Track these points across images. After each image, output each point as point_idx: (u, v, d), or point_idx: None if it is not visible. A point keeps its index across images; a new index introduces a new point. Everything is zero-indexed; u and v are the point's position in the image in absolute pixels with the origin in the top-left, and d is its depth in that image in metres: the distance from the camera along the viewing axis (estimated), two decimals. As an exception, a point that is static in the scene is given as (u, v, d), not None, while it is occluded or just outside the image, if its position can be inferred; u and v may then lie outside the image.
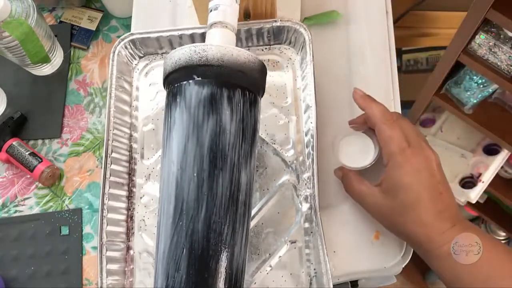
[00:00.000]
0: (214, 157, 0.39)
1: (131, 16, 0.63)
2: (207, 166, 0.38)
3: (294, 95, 0.54)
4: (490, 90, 0.88)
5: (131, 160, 0.53)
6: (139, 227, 0.51)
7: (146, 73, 0.57)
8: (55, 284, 0.55)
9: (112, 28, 0.69)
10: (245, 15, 0.55)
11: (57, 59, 0.66)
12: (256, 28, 0.54)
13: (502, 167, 1.05)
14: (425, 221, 0.41)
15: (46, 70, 0.65)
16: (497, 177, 1.04)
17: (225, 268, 0.38)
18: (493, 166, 1.01)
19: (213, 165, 0.39)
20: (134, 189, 0.52)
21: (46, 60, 0.63)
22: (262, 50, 0.56)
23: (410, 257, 0.49)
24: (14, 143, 0.59)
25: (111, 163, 0.50)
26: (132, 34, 0.55)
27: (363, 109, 0.48)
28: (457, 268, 0.40)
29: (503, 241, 1.23)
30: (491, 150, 1.03)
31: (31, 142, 0.62)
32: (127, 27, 0.68)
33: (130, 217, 0.51)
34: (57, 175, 0.60)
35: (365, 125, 0.49)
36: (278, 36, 0.55)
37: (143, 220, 0.51)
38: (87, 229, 0.57)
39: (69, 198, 0.59)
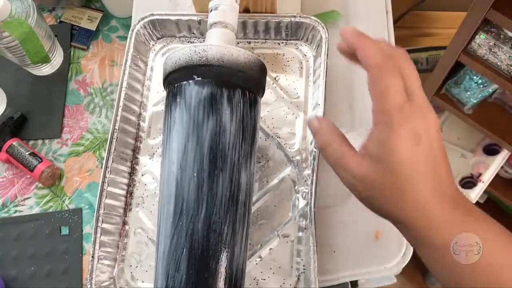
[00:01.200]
0: (214, 157, 0.39)
1: (131, 16, 0.63)
2: (207, 166, 0.38)
3: (305, 91, 0.54)
4: (490, 90, 0.88)
5: (137, 138, 0.54)
6: (137, 203, 0.51)
7: (162, 54, 0.58)
8: (55, 284, 0.55)
9: (112, 28, 0.69)
10: None
11: (57, 59, 0.66)
12: (275, 22, 0.54)
13: (502, 167, 1.05)
14: (424, 201, 0.33)
15: (46, 70, 0.65)
16: (497, 177, 1.04)
17: (225, 268, 0.38)
18: (493, 166, 1.01)
19: (213, 165, 0.38)
20: (136, 167, 0.53)
21: (46, 60, 0.63)
22: (279, 44, 0.57)
23: (410, 257, 0.49)
24: (14, 143, 0.59)
25: (117, 138, 0.51)
26: (152, 14, 0.56)
27: (355, 50, 0.36)
28: (456, 267, 0.33)
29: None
30: (491, 150, 1.03)
31: (31, 142, 0.62)
32: (127, 27, 0.68)
33: (129, 193, 0.52)
34: (57, 175, 0.60)
35: (352, 58, 0.39)
36: (296, 32, 0.55)
37: (142, 197, 0.52)
38: (87, 229, 0.57)
39: (69, 198, 0.59)
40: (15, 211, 0.59)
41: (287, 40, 0.56)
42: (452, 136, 1.08)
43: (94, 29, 0.68)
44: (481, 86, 0.86)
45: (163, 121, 0.43)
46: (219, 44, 0.42)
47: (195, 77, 0.40)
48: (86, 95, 0.64)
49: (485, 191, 1.04)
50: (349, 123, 0.55)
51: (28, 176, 0.60)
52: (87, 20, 0.69)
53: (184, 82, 0.41)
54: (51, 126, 0.63)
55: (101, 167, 0.60)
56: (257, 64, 0.42)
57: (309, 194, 0.47)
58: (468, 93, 0.87)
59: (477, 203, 1.08)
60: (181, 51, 0.41)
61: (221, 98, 0.40)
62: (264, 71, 0.44)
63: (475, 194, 1.02)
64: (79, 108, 0.64)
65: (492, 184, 1.03)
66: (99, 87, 0.65)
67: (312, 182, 0.47)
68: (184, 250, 0.37)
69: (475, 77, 0.86)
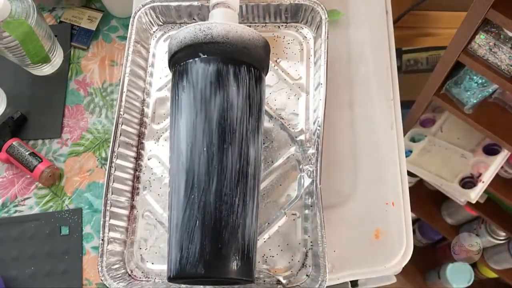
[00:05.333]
0: (223, 131, 0.40)
1: (130, 16, 0.63)
2: (217, 140, 0.39)
3: (307, 72, 0.55)
4: (490, 90, 0.87)
5: (141, 123, 0.55)
6: (144, 187, 0.52)
7: (164, 41, 0.59)
8: (55, 284, 0.55)
9: (112, 28, 0.69)
10: None
11: (57, 59, 0.66)
12: (274, 5, 0.55)
13: (502, 167, 1.05)
14: None
15: (46, 70, 0.65)
16: (497, 177, 1.04)
17: (238, 238, 0.39)
18: (493, 166, 1.01)
19: (222, 139, 0.39)
20: (142, 151, 0.54)
21: (46, 60, 0.63)
22: (279, 27, 0.57)
23: (410, 257, 0.49)
24: (14, 143, 0.59)
25: (122, 124, 0.51)
26: (153, 1, 0.57)
27: None
28: None
29: (503, 241, 1.23)
30: (491, 150, 1.02)
31: (31, 142, 0.62)
32: (127, 27, 0.68)
33: (136, 178, 0.53)
34: (57, 175, 0.60)
35: None
36: (296, 14, 0.56)
37: (149, 181, 0.52)
38: (87, 229, 0.57)
39: (69, 198, 0.59)
40: (15, 211, 0.59)
41: (287, 23, 0.57)
42: (452, 136, 1.08)
43: (94, 29, 0.68)
44: (481, 86, 0.86)
45: (170, 100, 0.44)
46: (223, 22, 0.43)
47: (201, 54, 0.41)
48: (86, 95, 0.64)
49: (485, 191, 1.04)
50: (348, 101, 0.56)
51: (28, 176, 0.60)
52: (87, 20, 0.69)
53: (190, 60, 0.41)
54: (51, 126, 0.63)
55: (101, 167, 0.60)
56: (261, 41, 0.43)
57: (314, 171, 0.48)
58: (468, 93, 0.87)
59: (477, 203, 1.07)
60: (186, 30, 0.42)
61: (227, 74, 0.40)
62: (267, 48, 0.44)
63: (475, 194, 1.02)
64: (79, 108, 0.64)
65: (492, 184, 1.03)
66: (99, 87, 0.65)
67: (317, 160, 0.48)
68: (197, 222, 0.38)
69: (475, 77, 0.86)
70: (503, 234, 1.22)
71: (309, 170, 0.50)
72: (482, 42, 0.75)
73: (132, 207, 0.51)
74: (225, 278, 0.38)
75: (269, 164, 0.51)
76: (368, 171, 0.50)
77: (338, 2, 0.61)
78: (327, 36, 0.52)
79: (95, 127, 0.62)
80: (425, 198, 1.28)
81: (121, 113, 0.52)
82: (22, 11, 0.57)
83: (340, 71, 0.57)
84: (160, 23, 0.59)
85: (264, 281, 0.47)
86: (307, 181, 0.50)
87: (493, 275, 1.32)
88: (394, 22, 0.61)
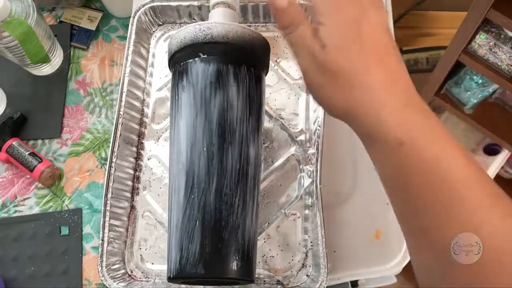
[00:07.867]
0: (223, 131, 0.40)
1: (130, 16, 0.63)
2: (216, 140, 0.39)
3: None
4: (490, 90, 0.88)
5: (141, 123, 0.55)
6: (144, 187, 0.52)
7: (164, 41, 0.59)
8: (55, 284, 0.55)
9: (112, 28, 0.69)
10: None
11: (57, 59, 0.66)
12: None
13: (502, 167, 1.05)
14: (371, 91, 0.29)
15: (46, 70, 0.65)
16: (497, 177, 1.04)
17: (238, 238, 0.39)
18: (493, 166, 1.01)
19: (222, 139, 0.39)
20: (142, 151, 0.54)
21: (46, 60, 0.63)
22: None
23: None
24: (14, 143, 0.59)
25: (122, 124, 0.52)
26: (153, 1, 0.57)
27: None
28: (407, 165, 0.28)
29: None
30: (491, 150, 1.03)
31: (31, 142, 0.62)
32: (127, 27, 0.68)
33: (136, 178, 0.53)
34: (57, 175, 0.60)
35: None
36: None
37: (149, 181, 0.53)
38: (87, 229, 0.57)
39: (69, 198, 0.59)
40: (15, 211, 0.59)
41: None
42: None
43: (94, 29, 0.68)
44: (481, 86, 0.86)
45: (170, 100, 0.45)
46: (223, 22, 0.43)
47: (201, 54, 0.41)
48: (86, 95, 0.64)
49: (485, 191, 1.04)
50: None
51: (28, 176, 0.60)
52: (87, 20, 0.69)
53: (190, 60, 0.41)
54: (51, 126, 0.63)
55: (101, 167, 0.60)
56: (261, 41, 0.43)
57: (314, 171, 0.48)
58: (468, 93, 0.87)
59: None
60: (186, 30, 0.42)
61: (227, 74, 0.40)
62: (267, 48, 0.44)
63: (475, 194, 1.02)
64: (79, 108, 0.64)
65: (492, 184, 1.03)
66: (99, 87, 0.65)
67: (317, 160, 0.48)
68: (197, 222, 0.38)
69: (475, 77, 0.86)
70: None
71: (309, 170, 0.50)
72: (482, 42, 0.75)
73: (132, 207, 0.51)
74: (225, 278, 0.38)
75: (269, 164, 0.51)
76: (368, 171, 0.50)
77: (338, 2, 0.61)
78: None
79: (95, 127, 0.62)
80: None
81: (121, 113, 0.52)
82: (22, 11, 0.57)
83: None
84: (160, 23, 0.59)
85: (264, 281, 0.46)
86: (307, 181, 0.50)
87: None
88: (394, 22, 0.62)
